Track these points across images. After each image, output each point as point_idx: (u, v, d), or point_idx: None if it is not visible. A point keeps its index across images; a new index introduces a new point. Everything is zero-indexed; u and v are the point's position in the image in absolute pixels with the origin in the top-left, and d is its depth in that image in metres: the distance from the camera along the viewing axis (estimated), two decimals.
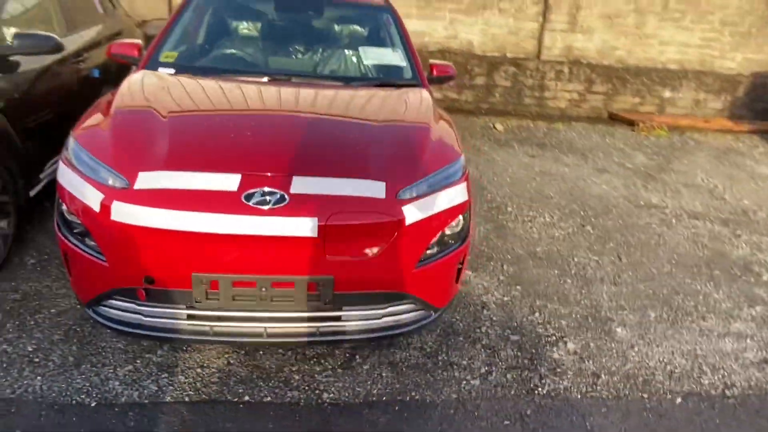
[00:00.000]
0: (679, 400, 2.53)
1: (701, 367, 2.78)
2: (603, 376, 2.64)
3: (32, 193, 3.28)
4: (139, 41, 3.29)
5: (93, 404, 2.16)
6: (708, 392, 2.60)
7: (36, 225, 3.44)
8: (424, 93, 3.09)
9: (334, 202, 2.14)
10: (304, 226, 2.08)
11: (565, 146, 6.56)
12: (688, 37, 7.89)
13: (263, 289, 2.14)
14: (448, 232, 2.42)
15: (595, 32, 7.72)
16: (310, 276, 2.14)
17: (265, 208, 2.08)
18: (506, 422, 2.28)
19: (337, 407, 2.28)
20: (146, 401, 2.20)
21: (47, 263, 3.11)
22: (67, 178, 2.22)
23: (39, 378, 2.27)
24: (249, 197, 2.09)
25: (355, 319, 2.31)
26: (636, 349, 2.88)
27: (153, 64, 3.04)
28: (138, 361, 2.41)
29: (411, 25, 7.35)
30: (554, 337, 2.91)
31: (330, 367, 2.50)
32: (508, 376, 2.56)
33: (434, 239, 2.34)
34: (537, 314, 3.11)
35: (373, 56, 3.44)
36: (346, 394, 2.35)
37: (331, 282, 2.16)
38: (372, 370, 2.51)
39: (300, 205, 2.11)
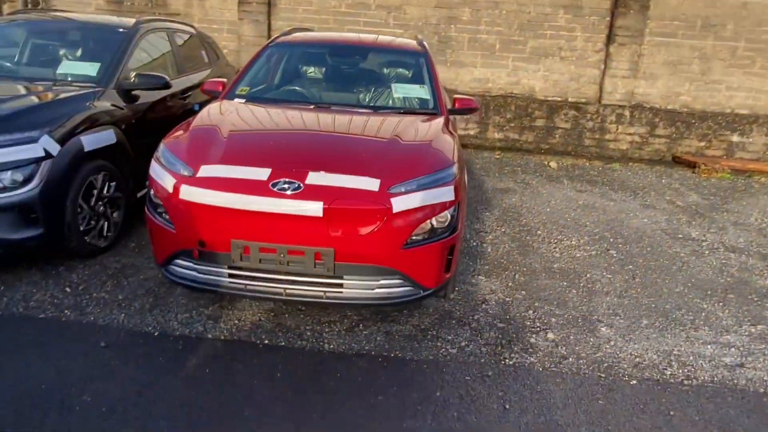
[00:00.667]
0: (634, 382, 2.81)
1: (670, 362, 3.02)
2: (570, 359, 2.97)
3: (138, 195, 4.25)
4: (224, 80, 4.21)
5: (156, 334, 2.92)
6: (666, 380, 2.85)
7: (139, 219, 4.37)
8: (438, 119, 3.70)
9: (337, 191, 2.78)
10: (313, 208, 2.73)
11: (616, 184, 6.75)
12: (760, 83, 7.81)
13: (282, 255, 2.80)
14: (435, 224, 2.96)
15: (658, 78, 7.90)
16: (317, 247, 2.78)
17: (286, 193, 2.76)
18: (467, 378, 2.71)
19: (333, 354, 2.86)
20: (193, 336, 2.92)
21: (143, 247, 4.00)
22: (155, 170, 3.05)
23: (123, 315, 3.08)
24: (275, 185, 2.79)
25: (353, 288, 2.89)
26: (612, 343, 3.17)
27: (230, 96, 3.94)
28: (193, 312, 3.15)
29: (475, 72, 7.98)
30: (539, 329, 3.27)
31: (336, 330, 3.08)
32: (483, 349, 2.99)
33: (420, 227, 2.89)
34: (531, 312, 3.49)
35: (403, 91, 4.14)
36: (343, 348, 2.92)
37: (332, 253, 2.78)
38: (370, 334, 3.06)
39: (311, 192, 2.77)
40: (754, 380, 2.89)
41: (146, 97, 4.30)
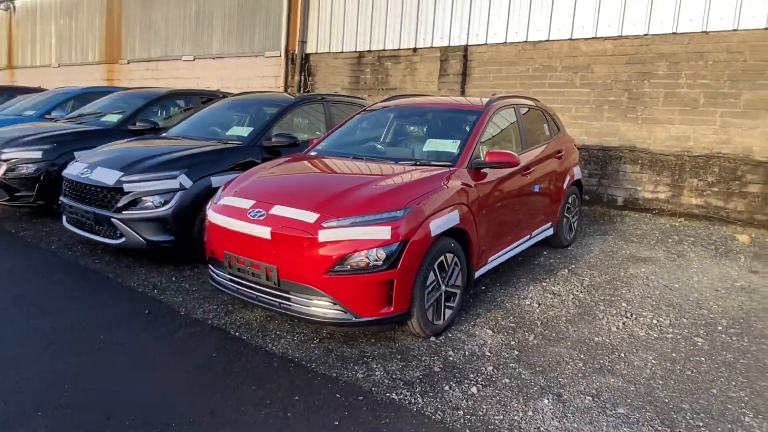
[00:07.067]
0: None
1: None
2: (467, 416, 3.03)
3: None
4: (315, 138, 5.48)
5: (182, 312, 4.17)
6: None
7: None
8: (442, 171, 4.08)
9: (283, 221, 3.62)
10: (265, 232, 3.63)
11: None
12: None
13: (248, 267, 3.73)
14: (369, 259, 3.48)
15: None
16: (267, 263, 3.63)
17: (252, 218, 3.73)
18: (338, 396, 3.13)
19: (264, 351, 3.61)
20: (198, 319, 4.07)
21: None
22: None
23: (181, 299, 4.42)
24: (249, 213, 3.79)
25: (297, 303, 3.61)
26: (538, 424, 3.03)
27: (310, 149, 5.09)
28: (220, 308, 4.27)
29: (672, 130, 7.50)
30: (473, 383, 3.31)
31: (295, 339, 3.79)
32: (386, 381, 3.29)
33: (351, 257, 3.44)
34: (492, 368, 3.45)
35: (434, 145, 4.61)
36: (277, 349, 3.64)
37: (276, 270, 3.59)
38: (313, 348, 3.68)
39: (269, 220, 3.67)
40: None
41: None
